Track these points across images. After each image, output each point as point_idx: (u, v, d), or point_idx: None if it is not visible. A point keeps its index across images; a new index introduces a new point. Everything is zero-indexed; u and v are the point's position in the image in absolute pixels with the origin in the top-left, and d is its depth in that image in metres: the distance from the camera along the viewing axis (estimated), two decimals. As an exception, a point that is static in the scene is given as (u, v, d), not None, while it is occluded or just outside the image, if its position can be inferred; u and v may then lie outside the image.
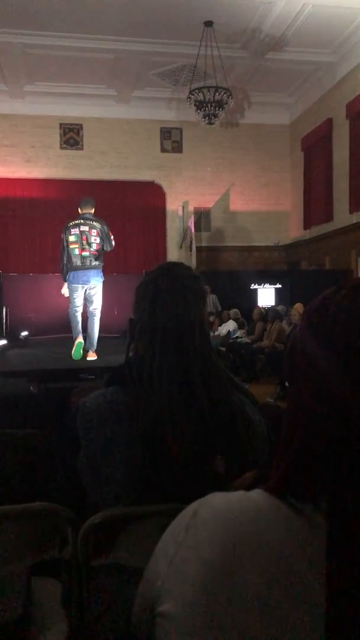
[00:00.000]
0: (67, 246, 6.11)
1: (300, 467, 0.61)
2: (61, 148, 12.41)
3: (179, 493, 1.17)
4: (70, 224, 6.23)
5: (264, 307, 10.20)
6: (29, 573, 1.39)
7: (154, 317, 1.30)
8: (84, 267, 6.11)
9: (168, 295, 1.31)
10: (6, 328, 9.71)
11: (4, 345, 7.95)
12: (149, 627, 0.65)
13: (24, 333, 9.50)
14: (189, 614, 0.57)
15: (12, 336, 9.11)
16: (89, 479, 1.28)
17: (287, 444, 0.63)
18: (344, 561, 0.54)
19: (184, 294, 1.33)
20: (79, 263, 6.10)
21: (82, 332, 6.44)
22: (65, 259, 6.14)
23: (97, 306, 6.36)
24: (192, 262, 11.81)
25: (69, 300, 6.39)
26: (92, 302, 6.31)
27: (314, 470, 0.60)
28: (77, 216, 6.32)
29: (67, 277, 6.23)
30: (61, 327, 9.30)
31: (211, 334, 9.00)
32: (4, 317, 9.85)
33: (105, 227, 6.34)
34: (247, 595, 0.55)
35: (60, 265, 6.28)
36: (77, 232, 6.15)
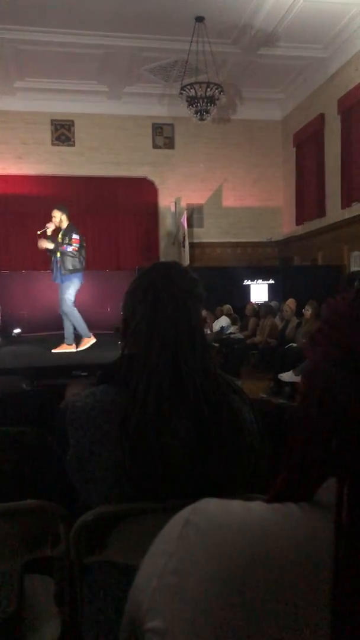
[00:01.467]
0: (84, 247, 6.88)
1: (304, 473, 0.60)
2: (53, 144, 12.35)
3: (168, 495, 1.17)
4: None
5: (257, 303, 10.21)
6: (22, 571, 1.39)
7: (154, 324, 1.28)
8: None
9: (170, 304, 1.28)
10: (-1, 325, 9.67)
11: (-4, 343, 7.92)
12: None
13: (17, 330, 9.48)
14: (186, 630, 0.54)
15: (4, 333, 9.09)
16: (77, 478, 1.28)
17: (290, 452, 0.62)
18: (352, 569, 0.52)
19: (185, 301, 1.31)
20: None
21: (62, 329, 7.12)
22: (83, 259, 6.83)
23: None
24: (185, 259, 11.80)
25: (63, 299, 6.81)
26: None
27: (317, 476, 0.59)
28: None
29: (80, 277, 6.86)
30: (54, 325, 9.29)
31: (206, 331, 9.12)
32: (-3, 314, 9.82)
33: None
34: (253, 610, 0.53)
35: (80, 266, 6.81)
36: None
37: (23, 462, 1.65)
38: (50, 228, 6.84)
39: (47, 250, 6.83)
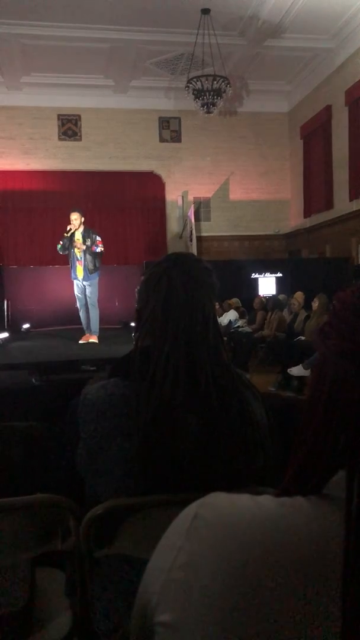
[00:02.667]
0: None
1: (313, 466, 0.60)
2: (59, 139, 12.35)
3: (177, 488, 1.17)
4: None
5: (265, 296, 10.18)
6: (33, 564, 1.40)
7: (167, 313, 1.28)
8: None
9: (183, 292, 1.28)
10: (8, 321, 9.72)
11: (5, 338, 7.96)
12: (148, 639, 0.61)
13: (26, 325, 9.51)
14: (195, 623, 0.54)
15: (13, 329, 9.13)
16: (87, 471, 1.28)
17: (299, 445, 0.62)
18: None
19: (199, 291, 1.30)
20: None
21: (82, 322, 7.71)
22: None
23: None
24: (193, 252, 11.78)
25: (91, 296, 7.45)
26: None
27: (326, 469, 0.59)
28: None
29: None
30: (62, 320, 9.33)
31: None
32: (6, 309, 9.86)
33: None
34: (263, 604, 0.52)
35: (99, 264, 7.43)
36: None
37: (32, 456, 1.66)
38: (71, 231, 7.26)
39: (65, 250, 7.33)
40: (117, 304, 10.07)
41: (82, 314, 7.59)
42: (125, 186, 12.58)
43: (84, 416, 1.27)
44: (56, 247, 7.46)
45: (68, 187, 12.01)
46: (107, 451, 1.23)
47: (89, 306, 7.47)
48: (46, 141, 12.24)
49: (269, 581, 0.54)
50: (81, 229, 7.29)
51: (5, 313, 9.83)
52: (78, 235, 7.26)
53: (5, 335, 8.14)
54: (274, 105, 12.93)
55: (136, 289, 1.41)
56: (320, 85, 11.45)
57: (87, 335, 7.51)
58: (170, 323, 1.27)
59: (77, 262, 7.32)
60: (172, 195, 12.88)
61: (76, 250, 7.27)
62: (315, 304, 7.51)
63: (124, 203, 12.65)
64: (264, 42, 9.99)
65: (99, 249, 7.26)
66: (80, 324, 7.72)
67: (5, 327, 9.17)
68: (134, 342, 1.34)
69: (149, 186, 12.76)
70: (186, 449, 1.21)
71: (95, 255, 7.29)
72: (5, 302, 9.90)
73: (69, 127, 12.38)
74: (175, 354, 1.24)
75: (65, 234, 7.25)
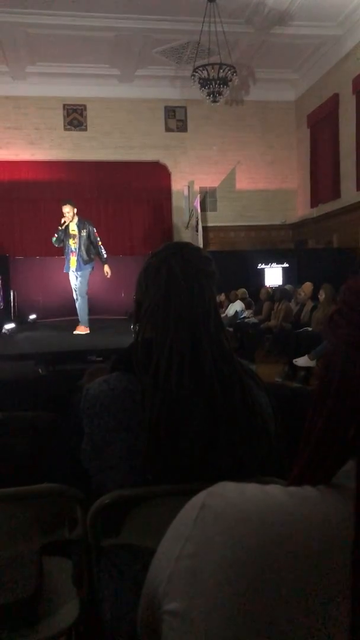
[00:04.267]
0: None
1: (322, 456, 0.59)
2: (65, 129, 12.31)
3: (186, 479, 1.17)
4: None
5: (271, 287, 10.16)
6: (41, 553, 1.41)
7: (168, 303, 1.26)
8: None
9: (184, 281, 1.27)
10: (14, 311, 9.76)
11: (12, 329, 7.99)
12: (156, 627, 0.61)
13: (32, 316, 9.55)
14: (202, 613, 0.54)
15: (20, 319, 9.17)
16: (92, 466, 1.28)
17: (308, 435, 0.61)
18: None
19: (199, 279, 1.29)
20: None
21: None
22: None
23: None
24: (199, 243, 11.75)
25: (82, 286, 7.41)
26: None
27: (336, 459, 0.59)
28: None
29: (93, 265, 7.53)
30: (68, 310, 9.35)
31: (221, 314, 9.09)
32: (12, 300, 9.89)
33: None
34: (271, 593, 0.52)
35: (93, 255, 7.46)
36: None
37: (39, 446, 1.67)
38: (65, 223, 7.30)
39: (60, 242, 7.38)
40: (122, 294, 10.08)
41: (77, 305, 7.72)
42: (131, 176, 12.54)
43: (87, 411, 1.27)
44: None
45: (74, 177, 11.98)
46: (112, 446, 1.23)
47: (78, 296, 7.54)
48: (52, 131, 12.20)
49: (277, 570, 0.53)
50: (75, 219, 7.36)
51: (12, 304, 9.86)
52: (73, 227, 7.33)
53: (12, 325, 8.17)
54: (281, 94, 12.83)
55: (135, 280, 1.39)
56: (328, 73, 11.34)
57: (79, 326, 7.63)
58: (171, 312, 1.25)
59: (71, 254, 7.37)
60: (178, 185, 12.83)
61: (71, 241, 7.32)
62: (321, 296, 7.48)
63: (130, 193, 12.61)
64: (271, 30, 9.90)
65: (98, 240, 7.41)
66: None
67: (12, 317, 9.21)
68: (133, 334, 1.33)
69: (154, 176, 12.71)
70: (192, 439, 1.21)
71: (93, 245, 7.35)
72: (12, 293, 9.93)
73: (75, 117, 12.33)
74: (178, 344, 1.23)
75: (60, 227, 7.33)
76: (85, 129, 12.37)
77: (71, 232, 7.31)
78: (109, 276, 7.60)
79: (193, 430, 1.21)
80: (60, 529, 1.36)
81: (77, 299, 7.58)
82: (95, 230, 7.42)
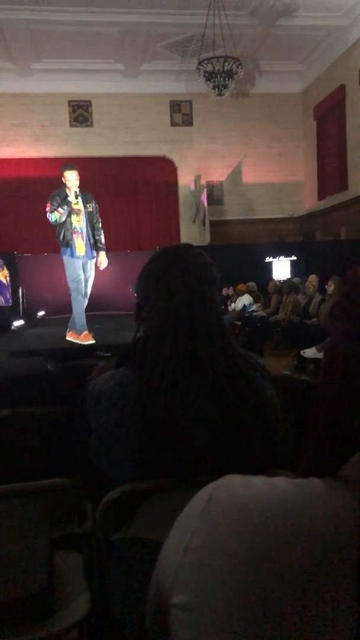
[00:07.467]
0: None
1: (328, 450, 0.59)
2: (71, 125, 12.32)
3: (193, 474, 1.17)
4: None
5: (279, 280, 10.13)
6: (51, 547, 1.42)
7: (168, 312, 1.25)
8: None
9: (184, 292, 1.25)
10: (23, 308, 9.79)
11: (21, 325, 8.02)
12: (163, 620, 0.62)
13: (41, 313, 9.57)
14: (210, 606, 0.54)
15: (29, 316, 9.20)
16: (101, 462, 1.28)
17: (313, 429, 0.61)
18: None
19: (199, 287, 1.27)
20: None
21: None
22: None
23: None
24: (206, 237, 11.73)
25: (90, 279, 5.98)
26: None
27: (342, 452, 0.59)
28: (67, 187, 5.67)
29: None
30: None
31: (229, 307, 8.86)
32: (21, 297, 9.93)
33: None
34: (278, 586, 0.52)
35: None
36: None
37: (49, 441, 1.68)
38: (77, 194, 5.67)
39: (62, 218, 5.63)
40: (131, 290, 10.07)
41: (81, 305, 5.95)
42: (137, 171, 12.53)
43: (95, 407, 1.27)
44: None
45: (80, 173, 11.90)
46: (119, 440, 1.23)
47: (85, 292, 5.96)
48: (57, 128, 12.21)
49: (284, 563, 0.53)
50: (78, 191, 5.69)
51: (21, 300, 9.90)
52: (76, 200, 5.65)
53: (20, 322, 8.20)
54: (287, 86, 12.77)
55: (135, 282, 1.38)
56: (334, 64, 11.26)
57: (78, 333, 5.95)
58: (170, 324, 1.24)
59: (75, 235, 5.67)
60: (185, 179, 12.81)
61: (74, 219, 5.62)
62: (330, 287, 7.46)
63: (136, 188, 12.61)
64: (276, 22, 9.84)
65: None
66: (91, 311, 6.31)
67: (21, 314, 9.24)
68: (133, 338, 1.31)
69: (161, 171, 12.70)
70: (199, 439, 1.21)
71: (98, 229, 5.79)
72: (20, 290, 9.97)
73: (80, 113, 12.33)
74: (174, 353, 1.22)
75: (67, 199, 5.62)
76: (91, 125, 12.37)
77: (74, 206, 5.61)
78: (102, 268, 5.88)
79: (197, 431, 1.21)
80: (71, 523, 1.36)
81: (85, 295, 5.93)
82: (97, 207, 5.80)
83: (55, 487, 1.34)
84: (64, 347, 5.69)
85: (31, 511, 1.35)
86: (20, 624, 1.31)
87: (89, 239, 5.72)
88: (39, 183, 12.01)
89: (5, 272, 9.67)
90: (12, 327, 7.81)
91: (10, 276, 9.71)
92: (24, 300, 10.00)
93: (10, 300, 9.54)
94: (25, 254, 11.20)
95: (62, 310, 9.75)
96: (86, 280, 5.88)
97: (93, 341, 5.71)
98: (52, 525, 1.36)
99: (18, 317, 8.64)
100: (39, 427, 1.82)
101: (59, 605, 1.38)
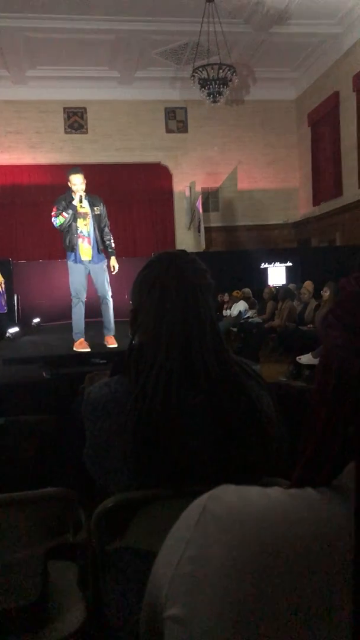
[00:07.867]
0: None
1: (322, 459, 0.59)
2: (66, 132, 12.34)
3: (188, 482, 1.16)
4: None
5: (275, 286, 10.14)
6: (46, 557, 1.41)
7: (161, 322, 1.25)
8: None
9: (178, 300, 1.25)
10: (18, 315, 9.76)
11: (16, 332, 8.00)
12: (158, 632, 0.61)
13: (36, 320, 9.55)
14: (204, 618, 0.53)
15: (24, 323, 9.17)
16: (96, 470, 1.27)
17: (308, 437, 0.61)
18: None
19: (194, 294, 1.27)
20: None
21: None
22: None
23: None
24: (201, 243, 11.75)
25: (105, 283, 5.87)
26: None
27: (336, 461, 0.58)
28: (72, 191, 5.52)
29: None
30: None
31: (225, 313, 8.85)
32: (16, 304, 9.90)
33: None
34: (272, 597, 0.52)
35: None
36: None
37: (43, 450, 1.67)
38: (81, 198, 5.51)
39: (68, 222, 5.49)
40: (126, 296, 10.06)
41: (80, 312, 5.77)
42: (132, 178, 12.55)
43: (89, 415, 1.26)
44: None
45: (75, 180, 11.98)
46: (114, 449, 1.22)
47: (107, 299, 5.89)
48: (52, 135, 12.24)
49: (278, 573, 0.53)
50: (84, 194, 5.53)
51: (16, 308, 9.87)
52: (83, 203, 5.50)
53: (16, 329, 8.18)
54: (281, 93, 12.84)
55: (130, 289, 1.38)
56: (328, 71, 11.33)
57: (109, 337, 5.92)
58: (164, 332, 1.24)
59: (81, 239, 5.51)
60: (180, 186, 12.84)
61: (80, 222, 5.49)
62: (325, 293, 7.47)
63: (132, 195, 12.62)
64: (270, 29, 9.90)
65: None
66: (87, 317, 5.92)
67: (16, 321, 9.22)
68: (128, 346, 1.31)
69: (156, 178, 12.72)
70: (194, 447, 1.20)
71: (107, 233, 5.67)
72: (15, 297, 9.94)
73: (75, 120, 12.36)
74: (169, 360, 1.22)
75: (72, 203, 5.45)
76: (86, 132, 12.39)
77: (80, 209, 5.47)
78: (115, 272, 5.83)
79: (190, 439, 1.20)
80: (65, 533, 1.35)
81: (102, 301, 5.90)
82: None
83: (49, 496, 1.33)
84: (59, 355, 5.67)
85: (25, 521, 1.34)
86: (14, 635, 1.29)
87: (97, 243, 5.61)
88: (34, 190, 12.04)
89: (0, 279, 9.65)
90: (7, 335, 7.78)
91: (5, 283, 9.68)
92: (19, 307, 9.98)
93: (5, 307, 9.51)
94: (20, 261, 11.18)
95: (57, 317, 9.74)
96: (101, 284, 5.77)
97: (88, 349, 5.62)
98: (47, 535, 1.35)
99: (13, 324, 8.61)
100: (33, 435, 1.81)
101: (53, 615, 1.37)
